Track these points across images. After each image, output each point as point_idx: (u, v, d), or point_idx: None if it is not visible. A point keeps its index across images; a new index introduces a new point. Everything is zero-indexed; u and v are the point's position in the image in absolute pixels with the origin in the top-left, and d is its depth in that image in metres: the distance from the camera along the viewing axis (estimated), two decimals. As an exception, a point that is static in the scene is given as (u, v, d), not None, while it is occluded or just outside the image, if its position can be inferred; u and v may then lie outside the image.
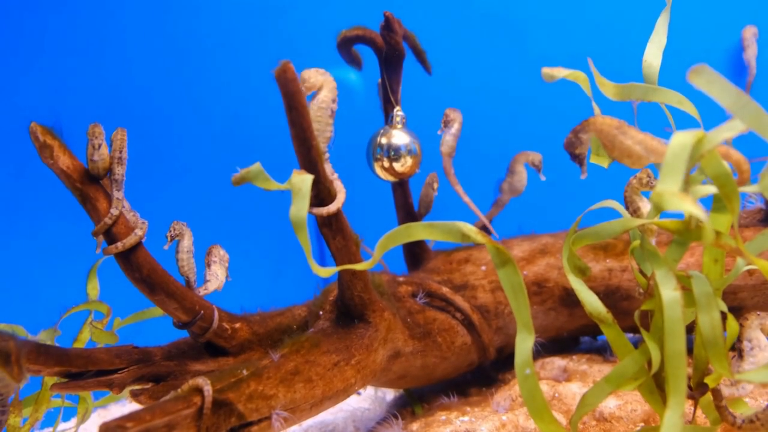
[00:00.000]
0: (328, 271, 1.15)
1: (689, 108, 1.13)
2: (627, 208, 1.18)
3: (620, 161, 1.06)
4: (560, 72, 1.29)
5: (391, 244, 1.15)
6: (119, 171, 1.35)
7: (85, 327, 1.85)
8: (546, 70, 1.30)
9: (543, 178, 2.09)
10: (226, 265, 1.59)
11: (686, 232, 0.94)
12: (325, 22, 2.68)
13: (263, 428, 1.29)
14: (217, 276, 1.54)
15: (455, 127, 2.04)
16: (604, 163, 1.15)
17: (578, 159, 1.15)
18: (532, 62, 2.78)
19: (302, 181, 1.08)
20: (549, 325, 1.95)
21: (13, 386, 1.35)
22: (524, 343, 1.12)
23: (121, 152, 1.35)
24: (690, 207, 0.85)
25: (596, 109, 1.29)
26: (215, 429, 1.20)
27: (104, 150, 1.33)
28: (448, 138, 2.05)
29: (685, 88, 1.22)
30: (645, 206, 1.18)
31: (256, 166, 1.08)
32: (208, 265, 1.55)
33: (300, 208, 1.05)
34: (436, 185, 2.03)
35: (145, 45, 2.74)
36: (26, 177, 2.52)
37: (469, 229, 1.11)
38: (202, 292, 1.51)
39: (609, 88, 1.19)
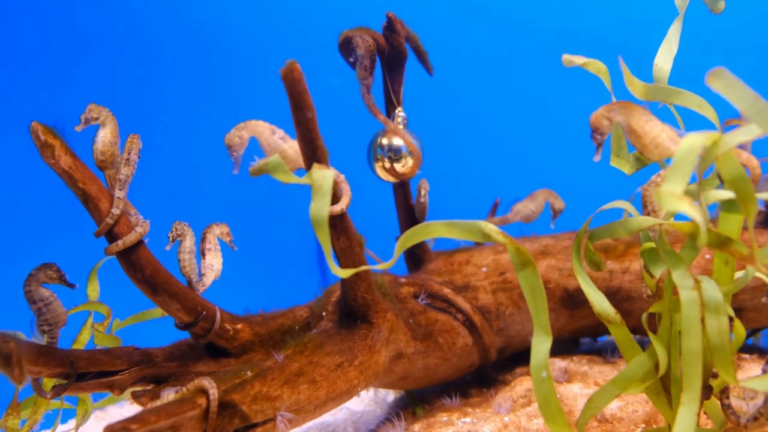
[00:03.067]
0: (347, 273, 1.14)
1: (709, 112, 1.14)
2: (645, 207, 1.18)
3: (645, 150, 1.07)
4: (579, 59, 1.30)
5: (410, 243, 1.15)
6: (125, 171, 1.34)
7: (85, 328, 1.84)
8: (566, 57, 1.31)
9: (552, 226, 2.06)
10: (230, 238, 1.55)
11: (699, 236, 0.94)
12: (327, 22, 2.68)
13: (268, 429, 1.29)
14: (212, 267, 1.51)
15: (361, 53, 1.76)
16: (626, 168, 1.15)
17: (599, 138, 1.15)
18: (535, 64, 2.79)
19: (323, 176, 1.04)
20: (550, 327, 1.95)
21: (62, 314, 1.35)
22: (541, 346, 1.12)
23: (129, 154, 1.34)
24: (686, 208, 0.85)
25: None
26: (220, 430, 1.19)
27: (108, 134, 1.32)
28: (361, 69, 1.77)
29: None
30: None
31: (276, 158, 1.04)
32: (203, 255, 1.50)
33: (321, 206, 1.01)
34: (423, 191, 1.98)
35: (148, 43, 2.74)
36: (26, 176, 2.50)
37: (491, 228, 1.10)
38: (200, 288, 1.49)
39: (638, 88, 1.19)
